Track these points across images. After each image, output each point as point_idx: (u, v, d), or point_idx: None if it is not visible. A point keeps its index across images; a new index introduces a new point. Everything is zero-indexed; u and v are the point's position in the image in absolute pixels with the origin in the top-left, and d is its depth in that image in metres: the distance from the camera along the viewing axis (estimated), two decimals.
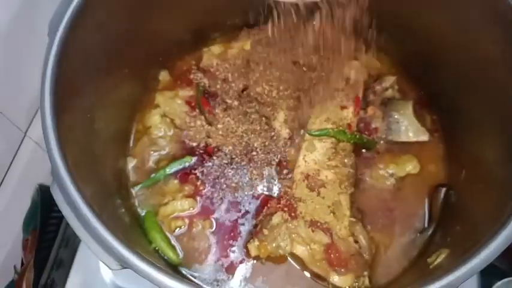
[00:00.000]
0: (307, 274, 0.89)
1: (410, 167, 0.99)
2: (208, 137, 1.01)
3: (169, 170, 0.98)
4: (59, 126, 0.70)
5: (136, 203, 0.96)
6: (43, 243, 1.11)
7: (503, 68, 0.80)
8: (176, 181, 0.98)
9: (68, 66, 0.74)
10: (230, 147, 0.99)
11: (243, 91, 1.04)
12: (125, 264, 0.61)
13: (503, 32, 0.79)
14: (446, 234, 0.88)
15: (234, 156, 0.99)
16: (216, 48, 1.09)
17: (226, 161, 0.99)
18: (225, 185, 0.97)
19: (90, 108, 0.84)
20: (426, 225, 0.94)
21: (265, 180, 0.97)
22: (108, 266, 0.62)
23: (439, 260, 0.76)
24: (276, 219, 0.89)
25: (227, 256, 0.91)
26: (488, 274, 0.88)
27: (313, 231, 0.87)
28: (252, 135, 1.00)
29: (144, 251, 0.85)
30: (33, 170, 1.09)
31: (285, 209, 0.90)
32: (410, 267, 0.89)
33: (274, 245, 0.87)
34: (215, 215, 0.95)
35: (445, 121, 1.02)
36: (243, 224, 0.93)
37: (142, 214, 0.95)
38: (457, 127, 0.97)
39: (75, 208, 0.62)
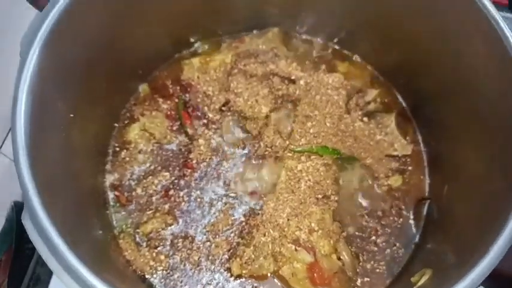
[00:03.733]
0: None
1: (393, 180, 0.99)
2: (189, 152, 0.98)
3: None
4: (31, 147, 0.67)
5: (114, 222, 0.93)
6: (20, 261, 1.08)
7: (485, 80, 0.81)
8: (156, 197, 0.95)
9: (42, 83, 0.71)
10: (211, 163, 0.98)
11: (224, 105, 1.02)
12: None
13: (483, 43, 0.79)
14: (430, 251, 0.87)
15: (216, 171, 0.97)
16: (196, 61, 1.07)
17: (207, 177, 0.97)
18: (206, 201, 0.95)
19: (66, 126, 0.80)
20: (411, 239, 0.94)
21: (247, 195, 0.95)
22: None
23: (422, 280, 0.75)
24: (258, 237, 0.87)
25: (209, 275, 0.89)
26: None
27: (296, 249, 0.86)
28: (234, 151, 0.98)
29: (122, 274, 0.83)
30: (7, 187, 1.05)
31: (267, 226, 0.89)
32: (395, 285, 0.88)
33: (257, 265, 0.86)
34: (196, 232, 0.92)
35: (427, 134, 1.02)
36: (225, 242, 0.91)
37: (121, 233, 0.92)
38: (439, 140, 0.97)
39: (47, 238, 0.59)
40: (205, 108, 1.02)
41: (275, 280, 0.88)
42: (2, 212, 1.08)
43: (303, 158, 0.93)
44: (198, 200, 0.95)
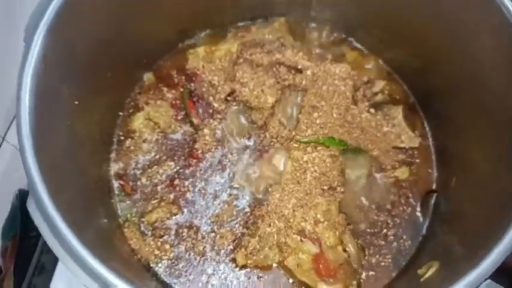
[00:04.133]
0: (295, 283, 0.87)
1: (400, 172, 0.98)
2: (194, 141, 0.98)
3: None
4: (36, 134, 0.67)
5: (119, 211, 0.93)
6: (24, 249, 1.08)
7: (492, 73, 0.79)
8: (161, 187, 0.95)
9: (46, 71, 0.70)
10: (216, 153, 0.97)
11: (229, 95, 1.01)
12: None
13: (490, 37, 0.78)
14: (437, 244, 0.86)
15: (221, 162, 0.97)
16: (201, 50, 1.06)
17: (212, 167, 0.96)
18: (210, 192, 0.95)
19: (70, 113, 0.80)
20: (418, 231, 0.93)
21: (252, 186, 0.94)
22: None
23: (430, 272, 0.75)
24: (263, 228, 0.87)
25: (214, 265, 0.89)
26: None
27: (301, 240, 0.86)
28: (239, 141, 0.98)
29: (127, 263, 0.83)
30: (12, 175, 1.05)
31: (272, 216, 0.88)
32: (401, 277, 0.88)
33: (262, 255, 0.85)
34: (201, 222, 0.92)
35: (435, 128, 1.01)
36: (230, 233, 0.91)
37: (125, 222, 0.92)
38: (447, 135, 0.96)
39: (53, 225, 0.59)
40: (211, 97, 1.01)
41: (280, 271, 0.88)
42: (7, 200, 1.08)
43: (309, 149, 0.92)
44: (203, 191, 0.95)
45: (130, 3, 0.88)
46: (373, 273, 0.89)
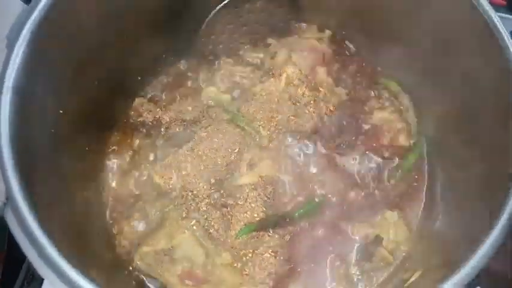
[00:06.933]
0: None
1: None
2: None
3: None
4: (17, 142, 0.67)
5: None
6: (13, 259, 1.07)
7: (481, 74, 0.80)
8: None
9: (29, 78, 0.70)
10: None
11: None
12: None
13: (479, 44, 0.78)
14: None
15: None
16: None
17: None
18: None
19: (54, 122, 0.78)
20: None
21: None
22: None
23: (413, 278, 0.74)
24: None
25: None
26: None
27: None
28: None
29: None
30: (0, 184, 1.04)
31: None
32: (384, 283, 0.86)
33: None
34: None
35: None
36: None
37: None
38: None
39: (31, 235, 0.58)
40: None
41: None
42: None
43: None
44: None
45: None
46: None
